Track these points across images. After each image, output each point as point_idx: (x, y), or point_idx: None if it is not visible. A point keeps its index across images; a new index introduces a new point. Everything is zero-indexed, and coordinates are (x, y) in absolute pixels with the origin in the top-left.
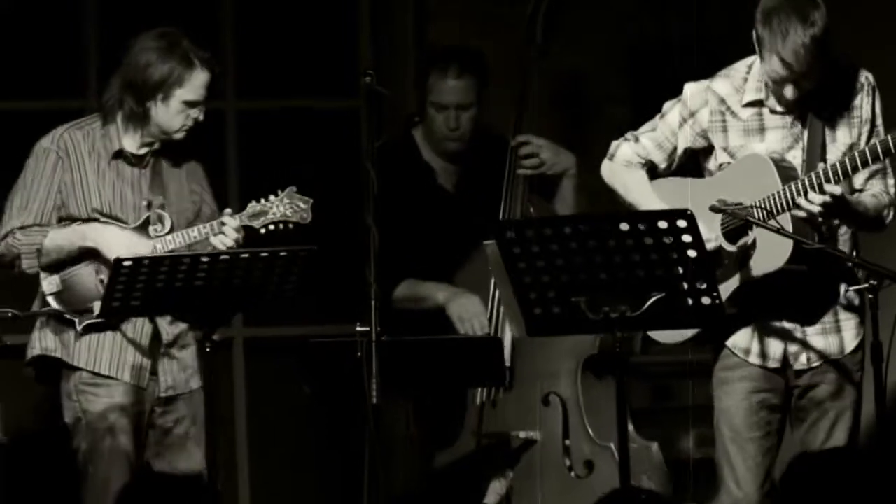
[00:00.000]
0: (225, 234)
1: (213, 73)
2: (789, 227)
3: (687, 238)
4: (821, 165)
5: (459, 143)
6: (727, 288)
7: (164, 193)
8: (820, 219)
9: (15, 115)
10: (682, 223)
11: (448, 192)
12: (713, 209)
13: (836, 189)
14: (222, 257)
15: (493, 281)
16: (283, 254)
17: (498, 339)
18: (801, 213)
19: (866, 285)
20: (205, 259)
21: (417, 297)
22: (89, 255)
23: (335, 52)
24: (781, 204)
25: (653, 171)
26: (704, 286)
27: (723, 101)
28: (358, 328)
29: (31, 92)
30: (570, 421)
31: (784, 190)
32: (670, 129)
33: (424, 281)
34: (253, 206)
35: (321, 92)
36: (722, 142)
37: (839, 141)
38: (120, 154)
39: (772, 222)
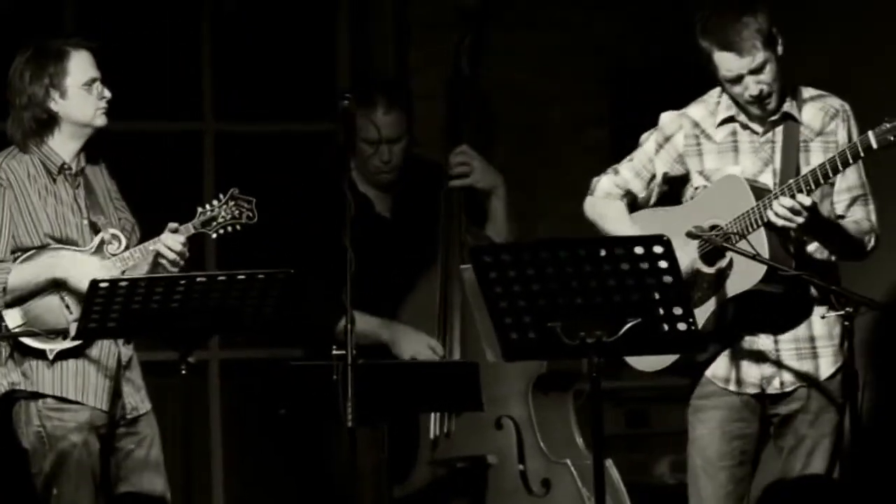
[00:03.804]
0: (161, 240)
1: (91, 48)
2: (765, 246)
3: (663, 264)
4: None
5: (392, 175)
6: (705, 310)
7: (101, 211)
8: (792, 233)
9: None
10: (658, 249)
11: (387, 220)
12: (689, 235)
13: (807, 200)
14: (199, 279)
15: (438, 312)
16: (260, 276)
17: (475, 363)
18: (777, 221)
19: (842, 312)
20: (182, 281)
21: (360, 332)
22: (55, 285)
23: (313, 74)
24: (755, 220)
25: (633, 203)
26: (680, 312)
27: (697, 124)
28: (334, 351)
29: None
30: (524, 442)
31: (758, 206)
32: (647, 156)
33: (367, 315)
34: (202, 213)
35: (299, 115)
36: (697, 165)
37: (813, 164)
38: (62, 169)
39: (747, 247)
